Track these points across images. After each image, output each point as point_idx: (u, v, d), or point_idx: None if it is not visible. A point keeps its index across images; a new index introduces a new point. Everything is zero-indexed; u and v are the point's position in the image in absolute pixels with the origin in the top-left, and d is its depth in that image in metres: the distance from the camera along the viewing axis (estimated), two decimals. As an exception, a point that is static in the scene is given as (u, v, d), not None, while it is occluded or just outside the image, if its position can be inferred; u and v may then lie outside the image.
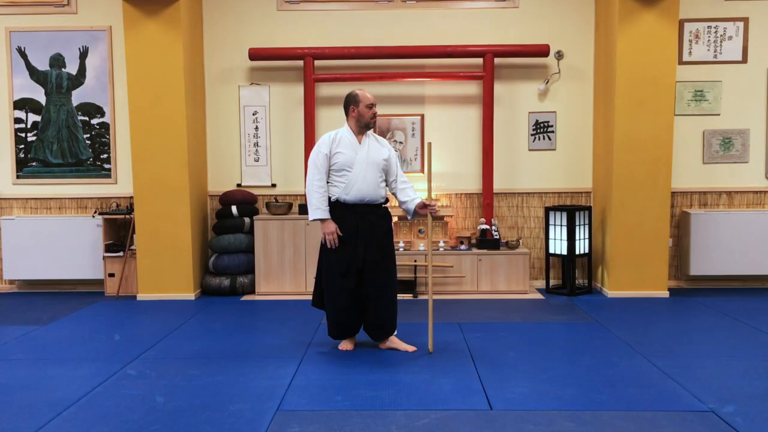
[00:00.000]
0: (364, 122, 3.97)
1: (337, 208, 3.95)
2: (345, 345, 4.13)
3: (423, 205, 4.01)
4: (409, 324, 4.55)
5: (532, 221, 6.16)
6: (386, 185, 4.08)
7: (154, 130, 5.52)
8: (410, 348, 4.06)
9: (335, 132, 4.01)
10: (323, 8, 6.03)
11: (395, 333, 4.12)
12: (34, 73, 6.02)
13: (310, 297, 5.48)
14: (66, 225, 5.94)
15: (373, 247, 3.95)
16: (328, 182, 3.97)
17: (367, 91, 4.04)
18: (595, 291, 5.88)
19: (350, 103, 3.99)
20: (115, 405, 3.20)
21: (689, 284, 6.06)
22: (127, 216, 5.80)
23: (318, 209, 3.90)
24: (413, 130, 6.09)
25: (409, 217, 4.17)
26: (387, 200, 4.10)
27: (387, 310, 4.01)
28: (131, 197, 5.88)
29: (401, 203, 4.09)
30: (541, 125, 6.07)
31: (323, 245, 4.02)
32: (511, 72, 6.05)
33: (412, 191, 4.08)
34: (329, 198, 3.96)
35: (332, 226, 3.91)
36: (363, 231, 3.93)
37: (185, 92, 5.53)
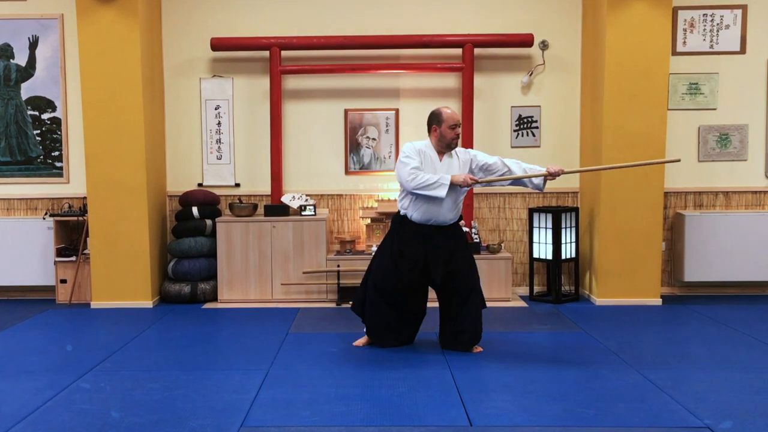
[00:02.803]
0: (445, 143, 4.15)
1: (404, 225, 4.21)
2: (360, 340, 4.47)
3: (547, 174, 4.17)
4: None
5: (515, 223, 6.19)
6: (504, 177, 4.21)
7: (109, 125, 5.54)
8: (478, 348, 4.34)
9: (420, 144, 4.20)
10: (291, -6, 6.09)
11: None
12: (-20, 65, 6.07)
13: (276, 305, 5.69)
14: (14, 227, 5.96)
15: (442, 265, 4.17)
16: (401, 197, 4.25)
17: (453, 110, 4.20)
18: (583, 298, 5.90)
19: (433, 121, 4.19)
20: (68, 420, 3.21)
21: (683, 291, 6.09)
22: (81, 218, 5.82)
23: (441, 184, 4.00)
24: (387, 126, 6.12)
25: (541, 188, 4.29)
26: (461, 219, 4.32)
27: (466, 323, 4.23)
28: (84, 198, 5.89)
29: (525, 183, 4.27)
30: (525, 120, 6.10)
31: (379, 250, 4.33)
32: (492, 63, 6.08)
33: (521, 164, 4.25)
34: (399, 211, 4.25)
35: (461, 176, 4.05)
36: (424, 254, 4.16)
37: (142, 85, 5.55)
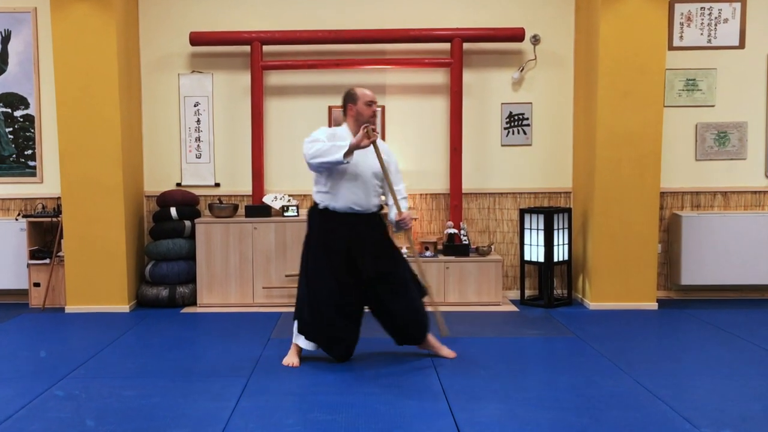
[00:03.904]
0: (363, 121, 4.08)
1: (325, 217, 4.07)
2: (290, 359, 4.18)
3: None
4: (376, 338, 4.52)
5: (506, 225, 6.17)
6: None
7: (84, 123, 5.52)
8: (450, 354, 4.23)
9: (333, 129, 4.13)
10: (273, -13, 6.07)
11: (428, 333, 4.25)
12: (-49, 60, 6.04)
13: (257, 309, 5.69)
14: (-14, 229, 5.94)
15: (370, 261, 4.06)
16: (316, 189, 4.09)
17: (366, 88, 4.18)
18: (576, 302, 5.89)
19: (348, 100, 4.16)
20: (41, 429, 3.19)
21: (680, 295, 6.08)
22: (55, 219, 5.80)
23: (338, 146, 3.82)
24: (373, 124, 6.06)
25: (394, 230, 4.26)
26: (381, 208, 4.21)
27: (409, 316, 4.14)
28: (59, 198, 5.87)
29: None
30: (516, 118, 6.08)
31: (305, 254, 4.12)
32: (482, 58, 6.06)
33: (402, 203, 4.14)
34: (317, 205, 4.09)
35: (359, 136, 3.84)
36: (352, 245, 4.04)
37: (119, 81, 5.53)
